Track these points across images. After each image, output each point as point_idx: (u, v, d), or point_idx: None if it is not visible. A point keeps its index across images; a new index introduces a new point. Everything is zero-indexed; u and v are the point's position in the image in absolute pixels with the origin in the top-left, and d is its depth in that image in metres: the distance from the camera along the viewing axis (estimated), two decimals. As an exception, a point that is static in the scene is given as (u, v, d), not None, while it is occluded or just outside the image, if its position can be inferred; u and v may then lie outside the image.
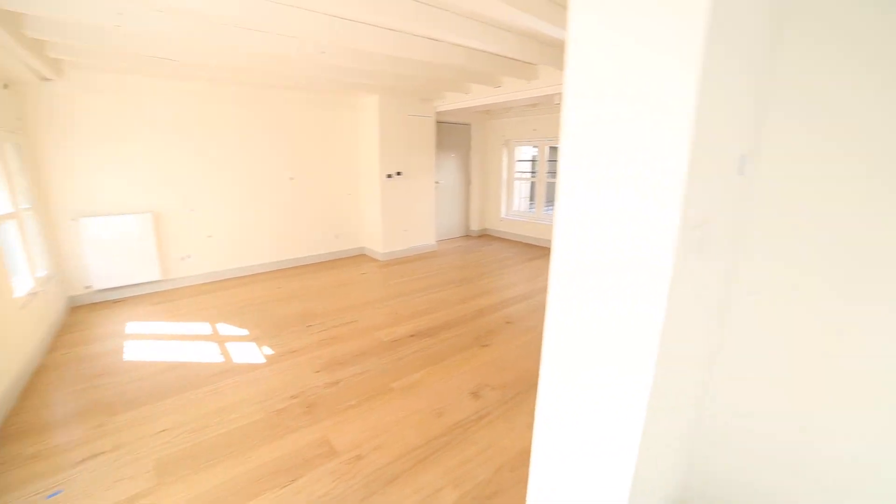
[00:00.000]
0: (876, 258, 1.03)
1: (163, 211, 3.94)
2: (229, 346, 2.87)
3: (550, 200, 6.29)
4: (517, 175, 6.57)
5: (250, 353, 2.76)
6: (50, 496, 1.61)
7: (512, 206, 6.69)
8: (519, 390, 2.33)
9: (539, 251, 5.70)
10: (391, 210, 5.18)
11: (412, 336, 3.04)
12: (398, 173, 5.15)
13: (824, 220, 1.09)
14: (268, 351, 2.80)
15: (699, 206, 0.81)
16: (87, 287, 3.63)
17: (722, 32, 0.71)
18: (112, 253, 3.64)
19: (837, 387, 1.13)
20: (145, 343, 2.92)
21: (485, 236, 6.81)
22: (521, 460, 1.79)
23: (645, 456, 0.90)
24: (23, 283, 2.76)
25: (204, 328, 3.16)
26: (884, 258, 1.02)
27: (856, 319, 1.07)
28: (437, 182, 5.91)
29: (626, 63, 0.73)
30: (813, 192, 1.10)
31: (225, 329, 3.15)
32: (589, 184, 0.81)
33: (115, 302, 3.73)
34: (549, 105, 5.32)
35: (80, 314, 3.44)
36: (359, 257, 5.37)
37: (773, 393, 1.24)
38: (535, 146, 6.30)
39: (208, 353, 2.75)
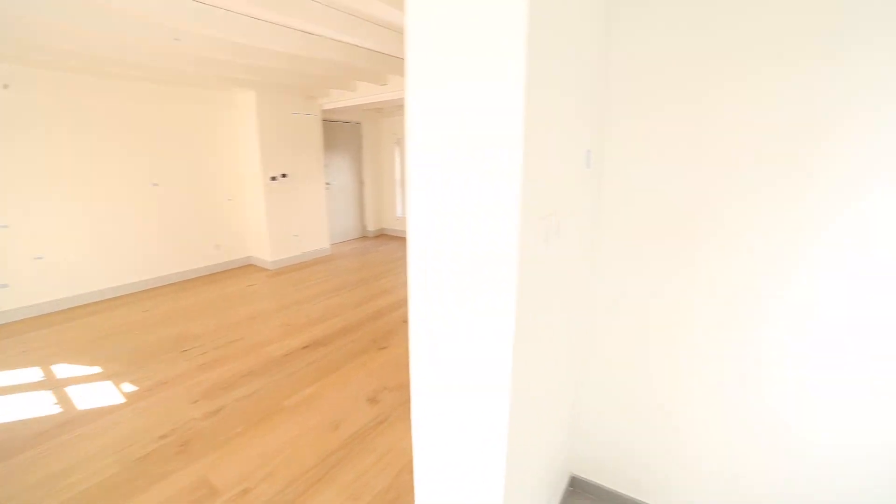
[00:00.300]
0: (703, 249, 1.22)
1: (-40, 230, 3.00)
2: (72, 390, 2.31)
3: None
4: (411, 174, 6.56)
5: (104, 395, 2.26)
6: None
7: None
8: (418, 388, 2.31)
9: (436, 247, 5.78)
10: (278, 215, 4.75)
11: (306, 347, 2.81)
12: (284, 175, 4.74)
13: (652, 212, 1.26)
14: (129, 388, 2.33)
15: (544, 197, 0.85)
16: None
17: (544, 37, 0.74)
18: None
19: (682, 364, 1.32)
20: (-62, 405, 2.19)
21: (382, 236, 6.68)
22: (421, 458, 1.77)
23: (518, 439, 0.93)
24: None
25: (31, 374, 2.50)
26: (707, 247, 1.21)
27: (685, 307, 1.26)
28: (327, 183, 5.59)
29: (458, 60, 0.72)
30: (642, 187, 1.26)
31: (65, 370, 2.53)
32: (435, 177, 0.79)
33: None
34: (435, 106, 5.38)
35: None
36: (245, 268, 4.82)
37: (632, 373, 1.40)
38: (425, 146, 6.34)
39: (37, 406, 2.17)
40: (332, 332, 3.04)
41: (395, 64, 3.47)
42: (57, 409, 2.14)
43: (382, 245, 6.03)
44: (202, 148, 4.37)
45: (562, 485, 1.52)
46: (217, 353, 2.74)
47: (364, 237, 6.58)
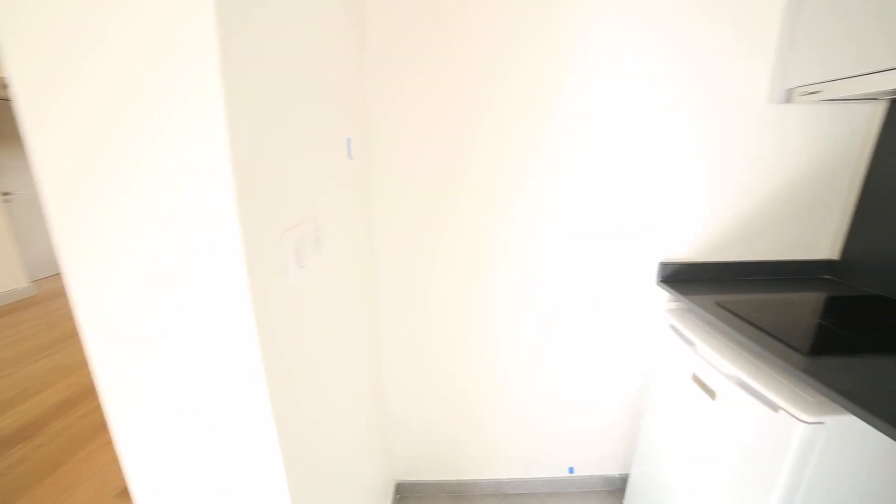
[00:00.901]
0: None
1: None
2: None
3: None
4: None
5: None
6: None
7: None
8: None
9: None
10: None
11: (-12, 452, 1.72)
12: None
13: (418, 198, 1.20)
14: None
15: (286, 204, 0.63)
16: None
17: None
18: None
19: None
20: None
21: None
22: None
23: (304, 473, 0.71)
24: None
25: None
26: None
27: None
28: (6, 194, 3.64)
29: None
30: (406, 167, 1.16)
31: None
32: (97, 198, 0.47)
33: None
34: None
35: None
36: None
37: (426, 362, 1.35)
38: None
39: None
40: (44, 411, 1.97)
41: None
42: None
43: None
44: None
45: (388, 496, 1.40)
46: None
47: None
